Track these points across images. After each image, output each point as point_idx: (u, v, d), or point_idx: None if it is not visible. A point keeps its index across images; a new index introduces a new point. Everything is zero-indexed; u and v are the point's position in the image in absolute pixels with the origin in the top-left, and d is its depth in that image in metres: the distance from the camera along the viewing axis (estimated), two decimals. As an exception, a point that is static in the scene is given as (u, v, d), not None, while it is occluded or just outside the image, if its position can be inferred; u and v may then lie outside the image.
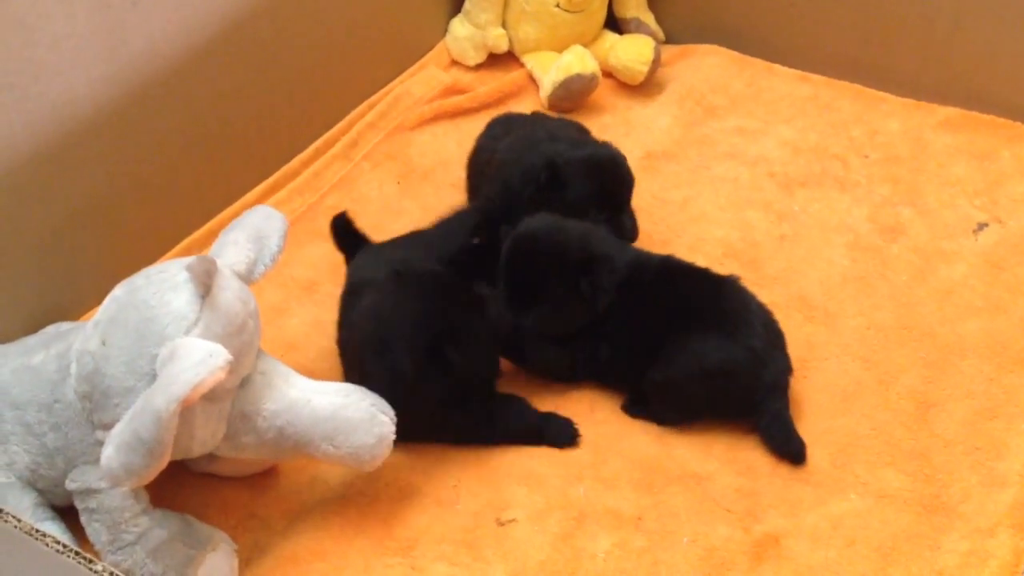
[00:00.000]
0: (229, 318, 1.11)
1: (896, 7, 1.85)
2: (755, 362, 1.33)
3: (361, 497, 1.28)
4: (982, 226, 1.65)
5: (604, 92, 1.93)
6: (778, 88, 1.93)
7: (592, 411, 1.40)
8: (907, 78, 1.88)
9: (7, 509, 0.92)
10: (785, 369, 1.36)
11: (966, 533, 1.24)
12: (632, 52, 1.93)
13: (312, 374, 1.22)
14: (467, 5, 1.97)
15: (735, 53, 2.00)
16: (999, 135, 1.80)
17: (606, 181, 1.50)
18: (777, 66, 1.97)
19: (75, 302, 1.40)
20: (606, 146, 1.55)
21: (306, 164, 1.75)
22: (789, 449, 1.32)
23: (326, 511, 1.26)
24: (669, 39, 2.05)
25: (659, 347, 1.35)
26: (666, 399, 1.36)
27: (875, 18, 1.87)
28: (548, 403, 1.40)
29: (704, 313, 1.35)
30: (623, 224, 1.50)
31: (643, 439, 1.37)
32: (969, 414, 1.37)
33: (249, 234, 1.21)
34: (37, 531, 0.91)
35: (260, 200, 1.65)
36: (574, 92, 1.88)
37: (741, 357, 1.33)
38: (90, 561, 0.87)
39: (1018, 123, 1.81)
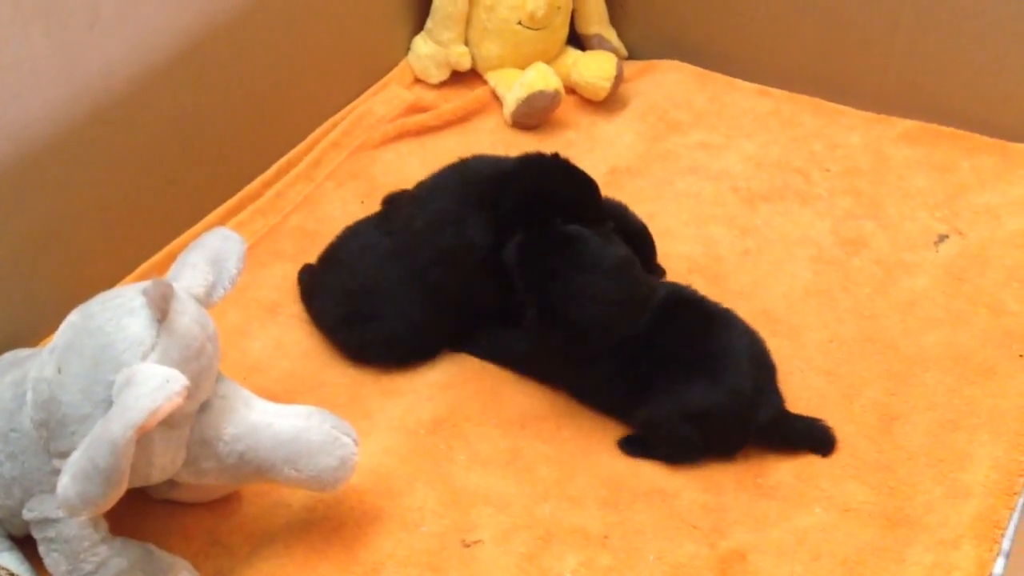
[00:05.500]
0: (187, 342, 1.09)
1: (855, 22, 1.87)
2: (743, 405, 1.32)
3: (325, 521, 1.26)
4: (943, 238, 1.66)
5: (567, 108, 1.93)
6: (740, 103, 1.94)
7: (559, 428, 1.40)
8: (867, 92, 1.89)
9: (-39, 542, 0.91)
10: (779, 403, 1.35)
11: (930, 545, 1.24)
12: (595, 68, 1.93)
13: (274, 396, 1.21)
14: (429, 23, 1.97)
15: (697, 68, 2.01)
16: (959, 147, 1.82)
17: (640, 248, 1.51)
18: (739, 81, 1.98)
19: (33, 328, 1.38)
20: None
21: (268, 184, 1.73)
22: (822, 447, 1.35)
23: (289, 536, 1.25)
24: (631, 55, 2.06)
25: (642, 381, 1.33)
26: (658, 437, 1.35)
27: (835, 33, 1.89)
28: (515, 421, 1.40)
29: (692, 352, 1.33)
30: None
31: (609, 456, 1.36)
32: (932, 426, 1.38)
33: (207, 256, 1.20)
34: (-9, 564, 0.90)
35: (221, 221, 1.63)
36: (537, 109, 1.88)
37: (727, 401, 1.31)
38: (45, 593, 0.87)
39: (977, 135, 1.83)
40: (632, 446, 1.37)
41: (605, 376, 1.36)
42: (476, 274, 1.42)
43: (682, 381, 1.32)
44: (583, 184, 1.46)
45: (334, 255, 1.52)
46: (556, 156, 1.47)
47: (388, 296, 1.45)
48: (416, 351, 1.47)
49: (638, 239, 1.52)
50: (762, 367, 1.36)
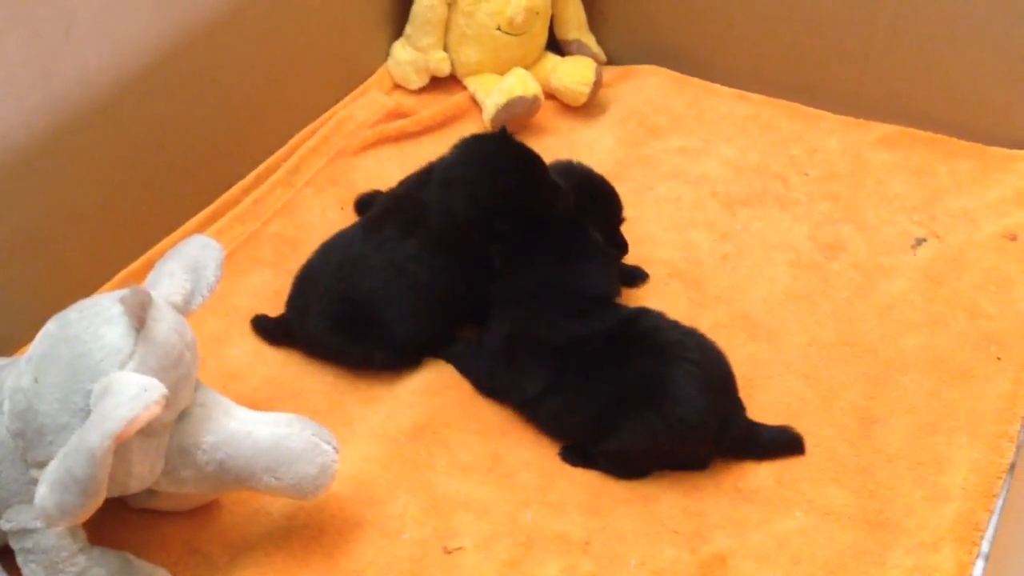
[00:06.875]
0: (165, 351, 1.09)
1: (833, 27, 1.88)
2: (693, 438, 1.31)
3: (305, 529, 1.26)
4: (920, 241, 1.67)
5: (547, 114, 1.93)
6: (718, 108, 1.95)
7: (539, 434, 1.40)
8: (845, 96, 1.90)
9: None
10: (743, 423, 1.34)
11: (910, 548, 1.25)
12: (574, 74, 1.94)
13: (254, 404, 1.20)
14: (408, 29, 1.97)
15: (676, 73, 2.02)
16: (936, 151, 1.83)
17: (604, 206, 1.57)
18: (717, 86, 1.99)
19: (9, 337, 1.37)
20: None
21: (247, 191, 1.73)
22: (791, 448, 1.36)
23: (269, 545, 1.24)
24: (610, 60, 2.07)
25: (600, 412, 1.32)
26: (613, 465, 1.35)
27: (813, 37, 1.90)
28: (495, 427, 1.40)
29: (640, 388, 1.30)
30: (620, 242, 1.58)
31: (590, 462, 1.37)
32: (911, 429, 1.39)
33: (185, 264, 1.19)
34: (-33, 575, 0.89)
35: (200, 228, 1.63)
36: (517, 114, 1.88)
37: (676, 437, 1.29)
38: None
39: (954, 139, 1.84)
40: (573, 457, 1.37)
41: (556, 408, 1.36)
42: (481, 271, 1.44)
43: (631, 417, 1.30)
44: (528, 160, 1.50)
45: (320, 270, 1.49)
46: (501, 135, 1.54)
47: (397, 301, 1.44)
48: (423, 353, 1.48)
49: (601, 196, 1.57)
50: (723, 391, 1.33)
